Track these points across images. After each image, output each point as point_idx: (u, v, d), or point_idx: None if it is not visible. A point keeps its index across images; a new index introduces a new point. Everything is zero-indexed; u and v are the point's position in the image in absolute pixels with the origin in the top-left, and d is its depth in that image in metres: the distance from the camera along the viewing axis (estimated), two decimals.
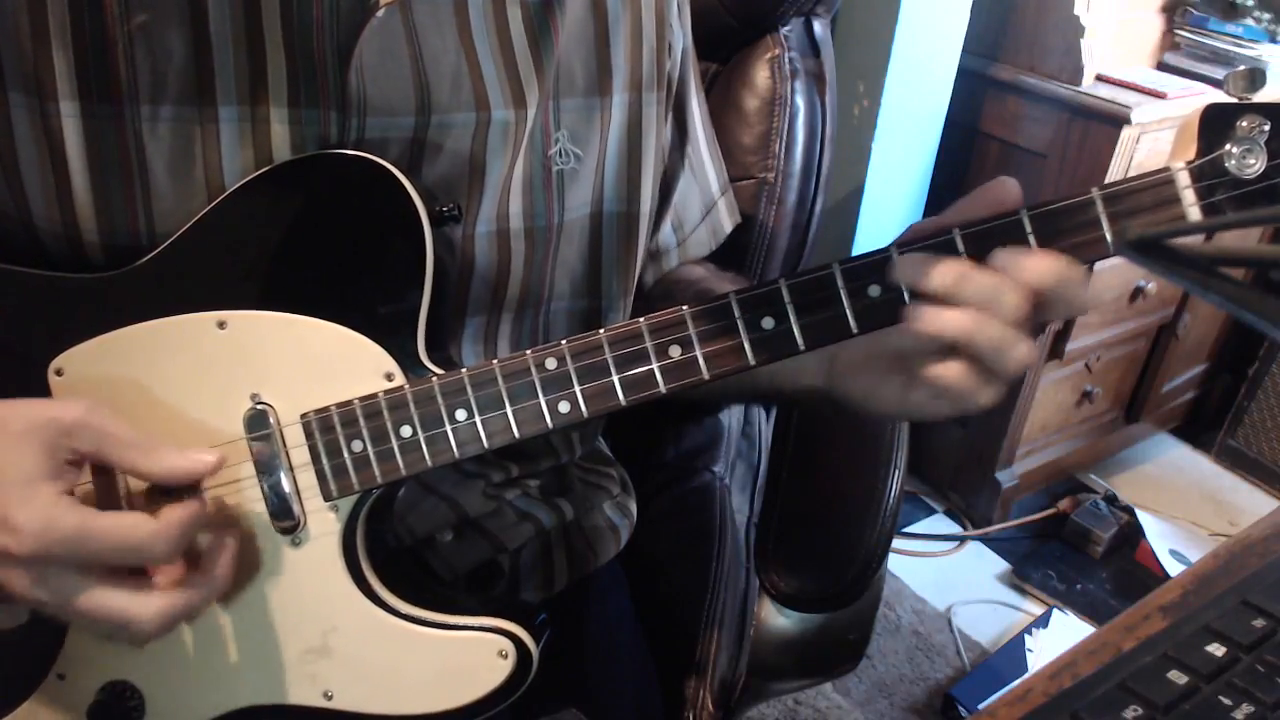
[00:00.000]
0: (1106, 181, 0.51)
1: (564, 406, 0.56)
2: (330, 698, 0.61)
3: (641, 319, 0.55)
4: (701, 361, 0.55)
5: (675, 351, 0.55)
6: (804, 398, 0.67)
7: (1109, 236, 0.51)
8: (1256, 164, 0.50)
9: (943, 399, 0.55)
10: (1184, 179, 0.51)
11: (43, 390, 0.58)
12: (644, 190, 0.76)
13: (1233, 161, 0.50)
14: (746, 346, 0.54)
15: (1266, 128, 0.49)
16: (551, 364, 0.56)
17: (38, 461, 0.50)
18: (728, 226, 0.87)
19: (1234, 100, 0.51)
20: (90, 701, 0.61)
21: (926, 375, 0.54)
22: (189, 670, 0.61)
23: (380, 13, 0.59)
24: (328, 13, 0.59)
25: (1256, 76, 0.50)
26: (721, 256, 0.88)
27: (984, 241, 0.52)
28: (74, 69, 0.57)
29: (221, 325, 0.58)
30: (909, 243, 0.53)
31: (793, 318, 0.54)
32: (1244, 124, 0.50)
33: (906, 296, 0.53)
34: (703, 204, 0.84)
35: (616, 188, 0.74)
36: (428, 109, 0.63)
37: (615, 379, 0.55)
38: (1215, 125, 0.50)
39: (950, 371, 0.53)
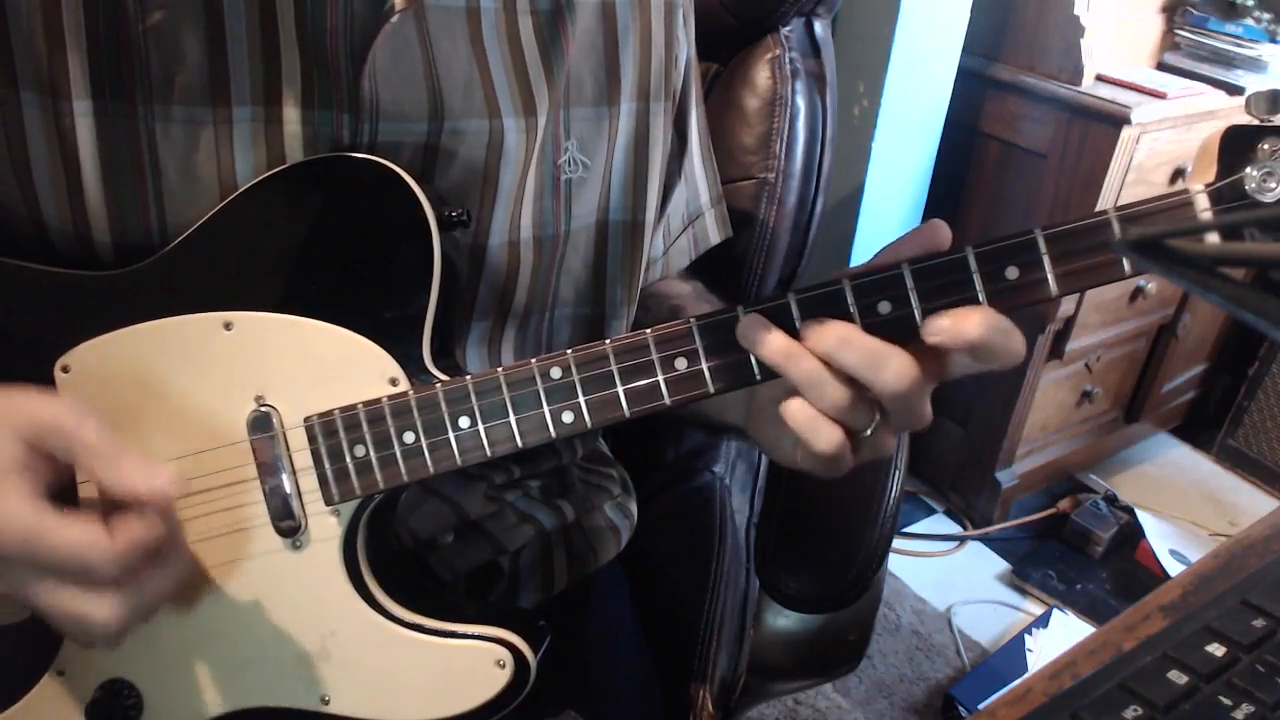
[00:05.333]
0: (1121, 203, 0.49)
1: (568, 416, 0.56)
2: (327, 702, 0.61)
3: (648, 330, 0.54)
4: (707, 375, 0.54)
5: (681, 364, 0.54)
6: (730, 434, 0.67)
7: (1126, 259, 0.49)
8: (1277, 188, 0.48)
9: (804, 449, 0.55)
10: (1203, 201, 0.49)
11: (49, 387, 0.58)
12: (649, 199, 0.76)
13: (1253, 184, 0.48)
14: (753, 361, 0.53)
15: None
16: (556, 373, 0.55)
17: (11, 453, 0.49)
18: (714, 238, 0.87)
19: (1255, 122, 0.49)
20: (88, 699, 0.61)
21: (779, 410, 0.53)
22: (187, 670, 0.61)
23: (394, 18, 0.59)
24: (342, 17, 0.60)
25: (1279, 98, 0.48)
26: (721, 262, 0.88)
27: (997, 260, 0.51)
28: (88, 68, 0.57)
29: (227, 326, 0.58)
30: (918, 260, 0.51)
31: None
32: (1265, 147, 0.48)
33: (918, 314, 0.51)
34: (688, 212, 0.84)
35: (622, 196, 0.75)
36: (440, 115, 0.63)
37: (620, 390, 0.55)
38: (1236, 147, 0.48)
39: (789, 407, 0.53)
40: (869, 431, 0.53)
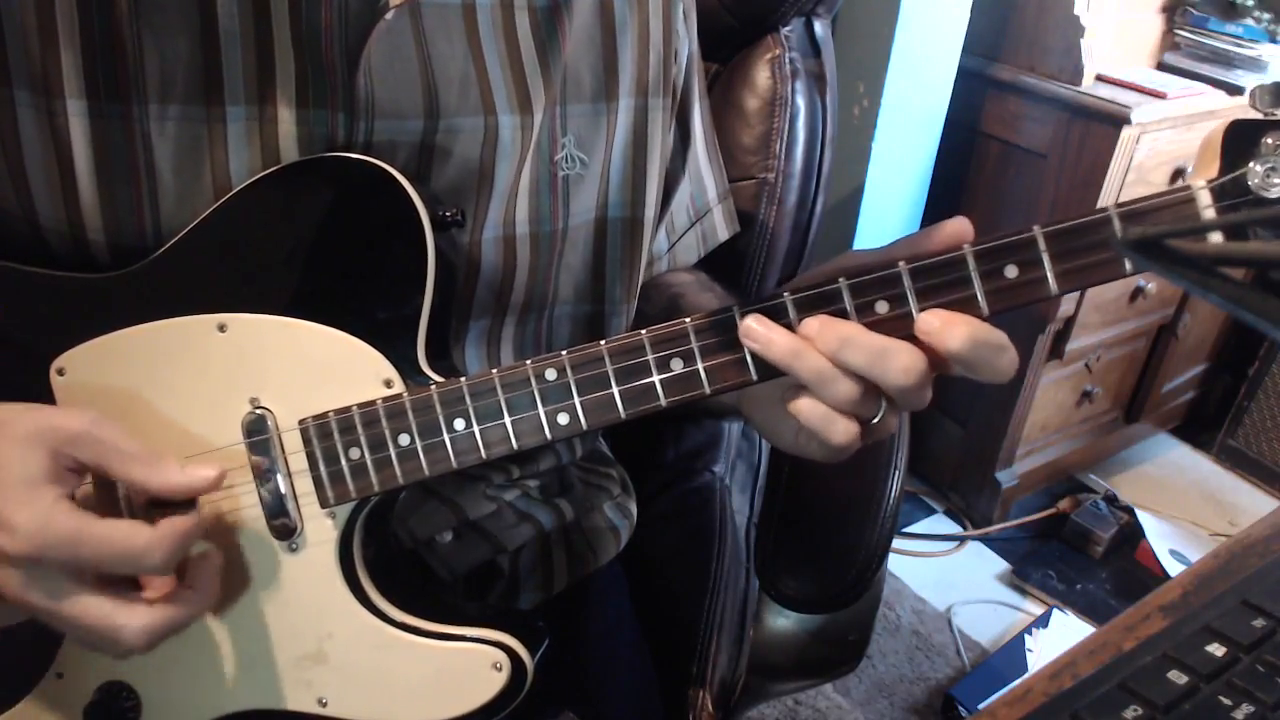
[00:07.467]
0: (1122, 199, 0.48)
1: (563, 418, 0.55)
2: (324, 705, 0.61)
3: (644, 331, 0.54)
4: (703, 375, 0.54)
5: (677, 364, 0.54)
6: (728, 417, 0.66)
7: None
8: None
9: (807, 435, 0.54)
10: (1205, 198, 0.48)
11: (45, 389, 0.58)
12: (649, 196, 0.76)
13: (1256, 180, 0.47)
14: (749, 361, 0.53)
15: None
16: (551, 375, 0.55)
17: (40, 465, 0.50)
18: (722, 234, 0.87)
19: (1259, 116, 0.48)
20: (87, 701, 0.61)
21: (788, 407, 0.53)
22: (185, 673, 0.61)
23: (389, 15, 0.59)
24: (336, 15, 0.59)
25: None
26: (721, 261, 0.88)
27: (996, 259, 0.50)
28: (82, 67, 0.57)
29: (222, 328, 0.58)
30: (915, 259, 0.51)
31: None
32: (1269, 141, 0.46)
33: (915, 313, 0.51)
34: (695, 209, 0.84)
35: (621, 193, 0.74)
36: (436, 113, 0.63)
37: (615, 391, 0.54)
38: (1239, 142, 0.47)
39: (800, 405, 0.52)
40: (878, 418, 0.53)
